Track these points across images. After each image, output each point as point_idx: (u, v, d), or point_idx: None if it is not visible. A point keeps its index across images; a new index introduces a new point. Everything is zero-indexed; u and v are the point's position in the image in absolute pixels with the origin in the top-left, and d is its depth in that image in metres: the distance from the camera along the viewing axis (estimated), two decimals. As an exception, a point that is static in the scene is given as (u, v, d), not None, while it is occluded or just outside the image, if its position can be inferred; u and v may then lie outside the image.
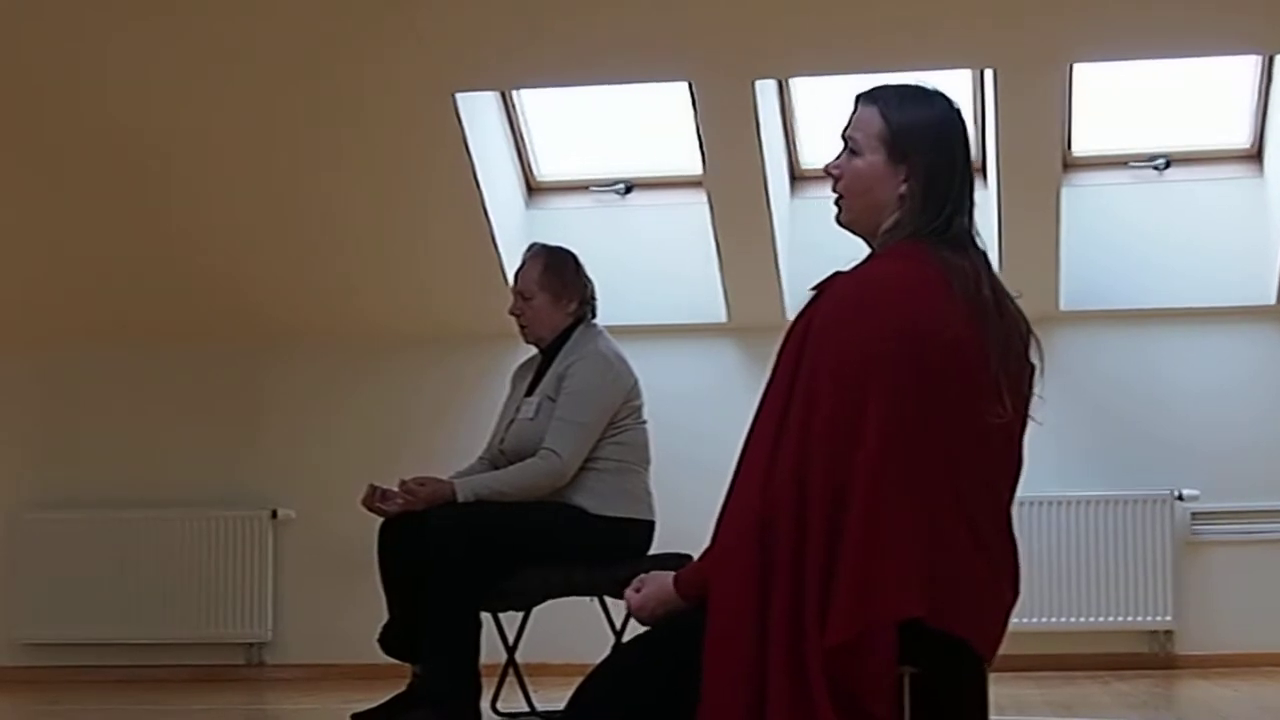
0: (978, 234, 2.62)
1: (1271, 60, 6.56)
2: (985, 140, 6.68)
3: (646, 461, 4.88)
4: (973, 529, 2.47)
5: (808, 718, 2.34)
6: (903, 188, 2.57)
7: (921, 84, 2.65)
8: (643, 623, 2.61)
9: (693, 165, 6.73)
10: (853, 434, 2.40)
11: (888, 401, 2.41)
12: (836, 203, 2.66)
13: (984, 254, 2.60)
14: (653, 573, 2.65)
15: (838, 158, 2.65)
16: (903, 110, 2.60)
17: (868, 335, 2.45)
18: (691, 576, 2.55)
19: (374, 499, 4.73)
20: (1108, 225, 6.97)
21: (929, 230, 2.56)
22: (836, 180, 2.65)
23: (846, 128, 2.65)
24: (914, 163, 2.57)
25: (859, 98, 2.67)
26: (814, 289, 2.59)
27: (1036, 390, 2.63)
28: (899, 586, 2.36)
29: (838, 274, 2.58)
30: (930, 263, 2.53)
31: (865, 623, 2.34)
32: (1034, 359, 2.61)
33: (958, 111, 2.63)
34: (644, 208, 7.20)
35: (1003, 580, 2.54)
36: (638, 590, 2.62)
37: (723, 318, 6.97)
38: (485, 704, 4.65)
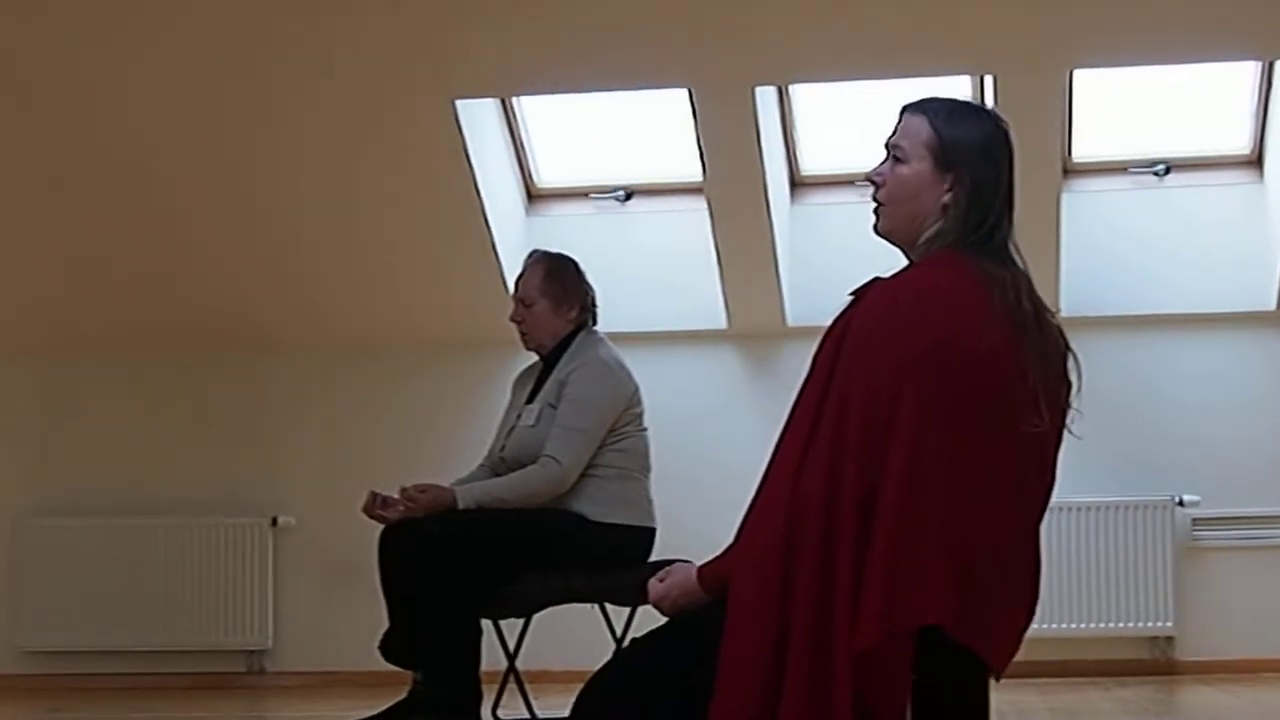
0: (1017, 248, 2.62)
1: (1271, 66, 6.56)
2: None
3: (647, 468, 4.87)
4: (1000, 543, 2.47)
5: (824, 717, 2.34)
6: (946, 197, 2.58)
7: (970, 100, 2.69)
8: (663, 613, 2.61)
9: (693, 172, 6.74)
10: (885, 440, 2.41)
11: (920, 410, 2.41)
12: (876, 210, 2.66)
13: (1024, 269, 2.60)
14: (677, 564, 2.66)
15: (881, 165, 2.65)
16: (951, 122, 2.61)
17: (903, 345, 2.45)
18: (715, 570, 2.55)
19: (375, 506, 4.73)
20: (1108, 231, 6.97)
21: (970, 241, 2.56)
22: (878, 188, 2.65)
23: (892, 136, 2.65)
24: (960, 173, 2.58)
25: (906, 108, 2.67)
26: (852, 294, 2.59)
27: (1074, 405, 2.62)
28: (925, 592, 2.37)
29: (876, 279, 2.58)
30: (970, 273, 2.53)
31: (892, 627, 2.34)
32: (1071, 376, 2.61)
33: (1005, 129, 2.65)
34: (644, 214, 7.20)
35: (1021, 598, 2.54)
36: (661, 580, 2.62)
37: (723, 324, 6.97)
38: (486, 711, 4.65)
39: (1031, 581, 2.56)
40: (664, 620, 2.61)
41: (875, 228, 2.67)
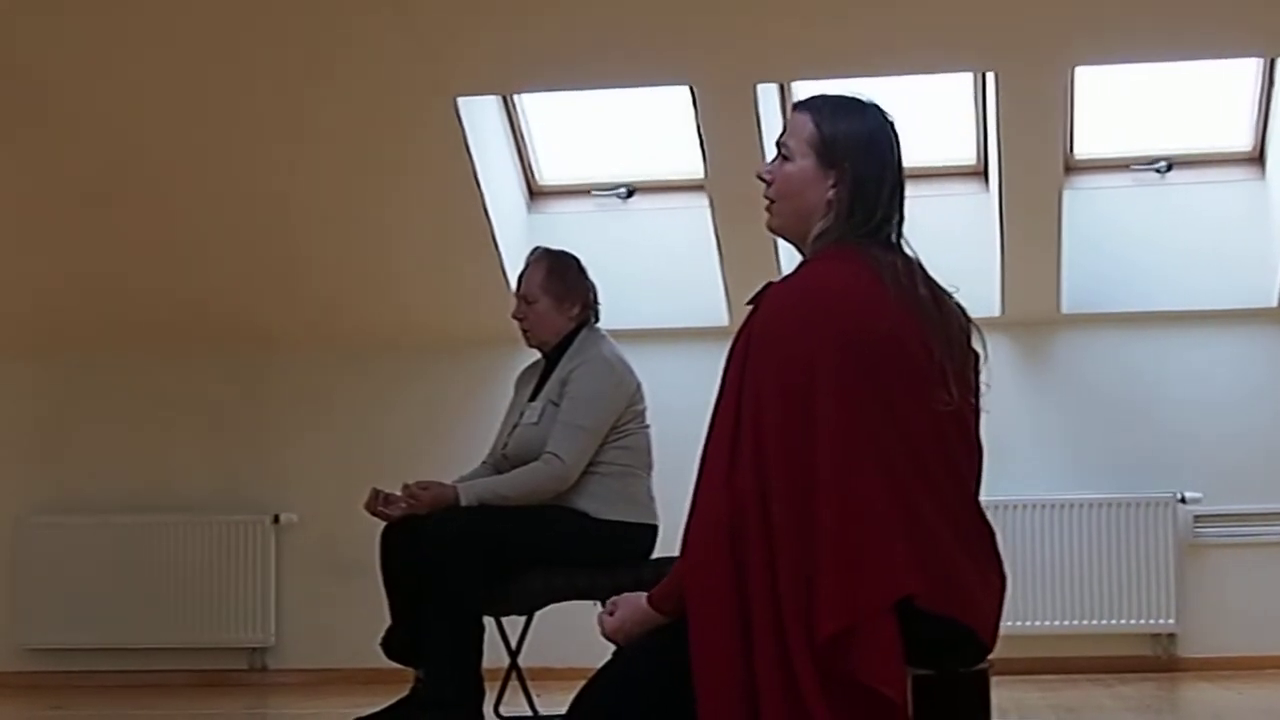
0: (907, 242, 2.66)
1: (1273, 63, 6.56)
2: (987, 143, 6.69)
3: (649, 465, 4.88)
4: (943, 514, 2.49)
5: (801, 714, 2.34)
6: (830, 193, 2.62)
7: (857, 95, 2.72)
8: (618, 645, 2.62)
9: (694, 169, 6.74)
10: (806, 430, 2.44)
11: (838, 395, 2.45)
12: (768, 208, 2.71)
13: (916, 259, 2.64)
14: (624, 595, 2.66)
15: (771, 163, 2.71)
16: (835, 118, 2.65)
17: (809, 340, 2.49)
18: (667, 590, 2.57)
19: (377, 503, 4.73)
20: (1109, 228, 6.97)
21: (859, 235, 2.60)
22: (769, 185, 2.69)
23: (782, 135, 2.70)
24: (843, 169, 2.61)
25: (795, 105, 2.73)
26: (750, 302, 2.63)
27: (984, 378, 2.66)
28: (888, 566, 2.38)
29: (770, 284, 2.61)
30: (861, 262, 2.58)
31: (860, 608, 2.35)
32: (976, 347, 2.64)
33: (890, 123, 2.69)
34: (646, 211, 7.20)
35: (987, 566, 2.56)
36: (611, 613, 2.63)
37: (725, 321, 6.97)
38: (488, 708, 4.65)
39: (992, 549, 2.58)
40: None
41: (768, 225, 2.72)
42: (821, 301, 2.52)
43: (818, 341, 2.47)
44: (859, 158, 2.61)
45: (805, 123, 2.66)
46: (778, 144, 2.70)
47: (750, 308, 2.63)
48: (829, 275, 2.57)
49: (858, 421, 2.43)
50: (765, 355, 2.51)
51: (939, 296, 2.62)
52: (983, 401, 2.65)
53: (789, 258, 6.78)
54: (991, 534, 2.59)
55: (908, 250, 2.64)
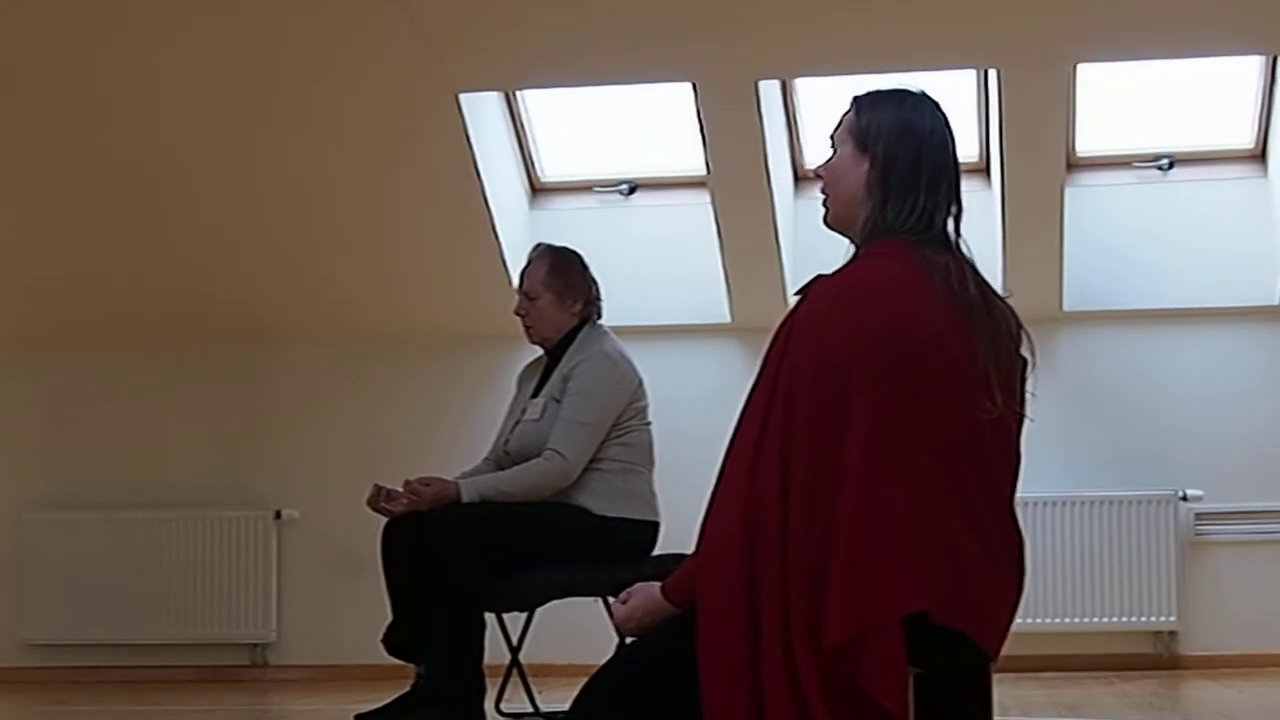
0: (964, 240, 2.63)
1: (1276, 60, 6.56)
2: (989, 140, 6.69)
3: (651, 462, 4.88)
4: (971, 523, 2.47)
5: (805, 714, 2.34)
6: (866, 176, 2.61)
7: (907, 87, 2.70)
8: (631, 635, 2.62)
9: (697, 166, 6.74)
10: (835, 429, 2.42)
11: (872, 396, 2.42)
12: (824, 204, 2.70)
13: (969, 259, 2.61)
14: (638, 584, 2.66)
15: (826, 161, 2.71)
16: (873, 106, 2.67)
17: (849, 336, 2.47)
18: (680, 581, 2.56)
19: (379, 499, 4.73)
20: (1111, 226, 6.97)
21: (907, 228, 2.58)
22: (824, 182, 2.70)
23: (833, 131, 2.71)
24: (875, 151, 2.61)
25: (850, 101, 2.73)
26: (798, 292, 2.61)
27: (1030, 385, 2.63)
28: (900, 580, 2.36)
29: (819, 277, 2.60)
30: (910, 260, 2.55)
31: (867, 619, 2.34)
32: (1025, 354, 2.62)
33: (934, 110, 2.67)
34: (648, 208, 7.20)
35: (1006, 575, 2.54)
36: (624, 602, 2.63)
37: (726, 318, 6.97)
38: (489, 705, 4.65)
39: (1015, 561, 2.56)
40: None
41: (825, 221, 2.71)
42: (866, 299, 2.51)
43: (858, 340, 2.46)
44: (891, 140, 2.60)
45: (850, 114, 2.68)
46: (830, 139, 2.71)
47: (798, 298, 2.60)
48: (877, 272, 2.55)
49: (889, 426, 2.41)
50: (803, 349, 2.49)
51: (990, 300, 2.59)
52: (1028, 409, 2.62)
53: (791, 255, 6.81)
54: (1020, 543, 2.57)
55: (963, 250, 2.62)
